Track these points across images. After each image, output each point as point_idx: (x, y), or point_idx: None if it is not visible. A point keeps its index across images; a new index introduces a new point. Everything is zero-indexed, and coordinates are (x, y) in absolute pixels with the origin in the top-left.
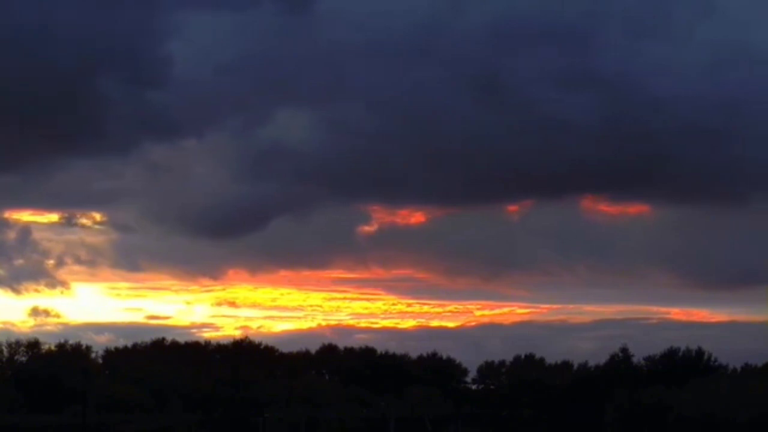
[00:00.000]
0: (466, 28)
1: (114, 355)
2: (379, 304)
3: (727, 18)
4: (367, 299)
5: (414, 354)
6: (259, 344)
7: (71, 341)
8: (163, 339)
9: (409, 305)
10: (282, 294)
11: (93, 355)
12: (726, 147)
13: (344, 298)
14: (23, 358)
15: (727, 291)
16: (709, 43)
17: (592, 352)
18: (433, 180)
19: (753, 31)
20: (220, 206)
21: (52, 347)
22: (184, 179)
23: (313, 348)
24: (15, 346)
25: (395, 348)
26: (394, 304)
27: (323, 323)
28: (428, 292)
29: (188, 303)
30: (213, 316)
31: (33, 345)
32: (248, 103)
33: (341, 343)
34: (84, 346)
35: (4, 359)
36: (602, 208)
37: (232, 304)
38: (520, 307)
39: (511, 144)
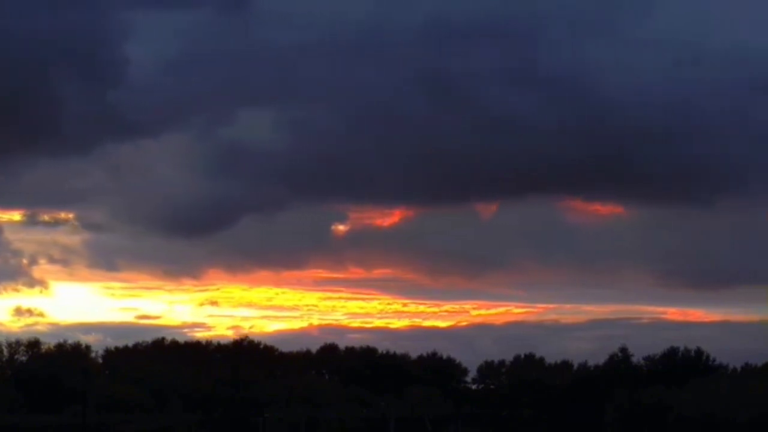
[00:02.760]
0: (415, 27)
1: (114, 355)
2: (375, 303)
3: (680, 18)
4: (363, 299)
5: (414, 354)
6: (259, 344)
7: (60, 341)
8: (163, 339)
9: (404, 305)
10: (277, 293)
11: (93, 355)
12: (696, 147)
13: (340, 298)
14: (23, 358)
15: (712, 291)
16: (665, 44)
17: (589, 352)
18: (406, 179)
19: (705, 31)
20: (193, 206)
21: (52, 347)
22: (154, 179)
23: (310, 347)
24: (15, 345)
25: (389, 348)
26: (389, 304)
27: (315, 323)
28: (423, 292)
29: (172, 303)
30: (209, 316)
31: (33, 345)
32: (210, 102)
33: (335, 344)
34: (84, 346)
35: (4, 359)
36: (577, 208)
37: (215, 303)
38: (517, 307)
39: (474, 143)
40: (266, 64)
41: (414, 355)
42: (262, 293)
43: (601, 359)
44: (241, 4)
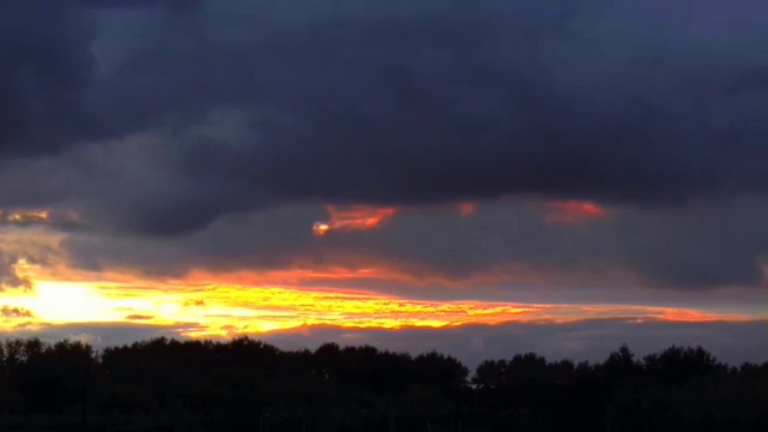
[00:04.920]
0: (369, 27)
1: (114, 354)
2: (371, 303)
3: (641, 18)
4: (359, 299)
5: (413, 353)
6: (259, 344)
7: (59, 341)
8: (162, 339)
9: (401, 305)
10: (273, 293)
11: (93, 355)
12: (669, 147)
13: (336, 298)
14: (23, 358)
15: (697, 291)
16: (635, 43)
17: (586, 352)
18: (386, 180)
19: (664, 30)
20: (174, 205)
21: (52, 347)
22: (135, 178)
23: (305, 347)
24: (15, 345)
25: (387, 348)
26: (386, 304)
27: (309, 323)
28: (419, 293)
29: (161, 303)
30: (206, 316)
31: (33, 345)
32: (183, 101)
33: (323, 344)
34: (84, 346)
35: (4, 359)
36: (562, 208)
37: (201, 303)
38: (514, 307)
39: (447, 144)
40: (237, 64)
41: (413, 354)
42: (257, 293)
43: (597, 359)
44: (197, 4)
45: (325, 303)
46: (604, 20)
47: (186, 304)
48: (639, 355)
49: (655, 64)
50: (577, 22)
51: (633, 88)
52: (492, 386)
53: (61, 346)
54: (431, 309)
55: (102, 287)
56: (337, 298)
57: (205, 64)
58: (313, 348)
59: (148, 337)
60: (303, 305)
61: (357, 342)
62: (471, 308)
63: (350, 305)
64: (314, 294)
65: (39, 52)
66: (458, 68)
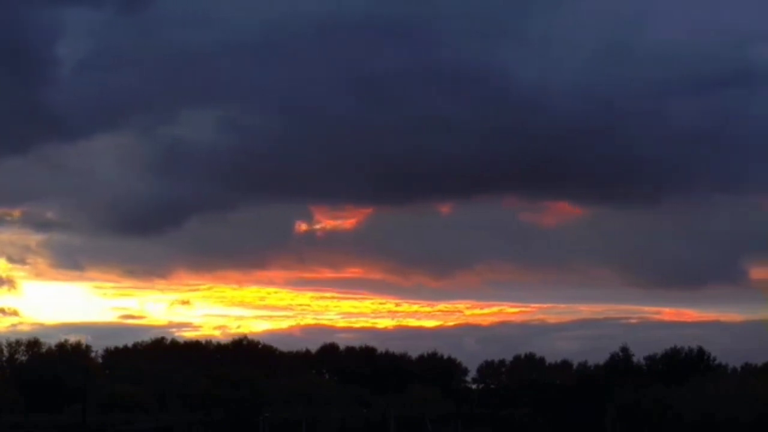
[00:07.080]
0: (343, 27)
1: (114, 354)
2: (368, 303)
3: (619, 18)
4: (356, 299)
5: (412, 353)
6: (258, 344)
7: (60, 341)
8: (162, 339)
9: (397, 305)
10: (269, 293)
11: (93, 354)
12: (645, 147)
13: (333, 298)
14: (23, 358)
15: (684, 291)
16: (607, 42)
17: (584, 352)
18: (366, 180)
19: (644, 30)
20: (159, 205)
21: (52, 347)
22: (107, 178)
23: (302, 347)
24: (15, 345)
25: (385, 348)
26: (382, 304)
27: (303, 323)
28: (414, 293)
29: (152, 303)
30: (200, 316)
31: (33, 344)
32: (155, 101)
33: (324, 343)
34: (84, 346)
35: (4, 359)
36: (539, 207)
37: (186, 303)
38: (510, 306)
39: (419, 144)
40: (205, 64)
41: (413, 354)
42: (252, 293)
43: (593, 359)
44: (161, 4)
45: (322, 303)
46: (581, 20)
47: (178, 303)
48: (637, 355)
49: (632, 64)
50: (555, 23)
51: (609, 88)
52: (492, 386)
53: (62, 346)
54: (428, 309)
55: (95, 287)
56: (333, 298)
57: (175, 64)
58: (311, 348)
59: (141, 338)
60: (300, 305)
61: (351, 342)
62: (468, 308)
63: (347, 305)
64: (310, 294)
65: (6, 52)
66: (436, 68)
